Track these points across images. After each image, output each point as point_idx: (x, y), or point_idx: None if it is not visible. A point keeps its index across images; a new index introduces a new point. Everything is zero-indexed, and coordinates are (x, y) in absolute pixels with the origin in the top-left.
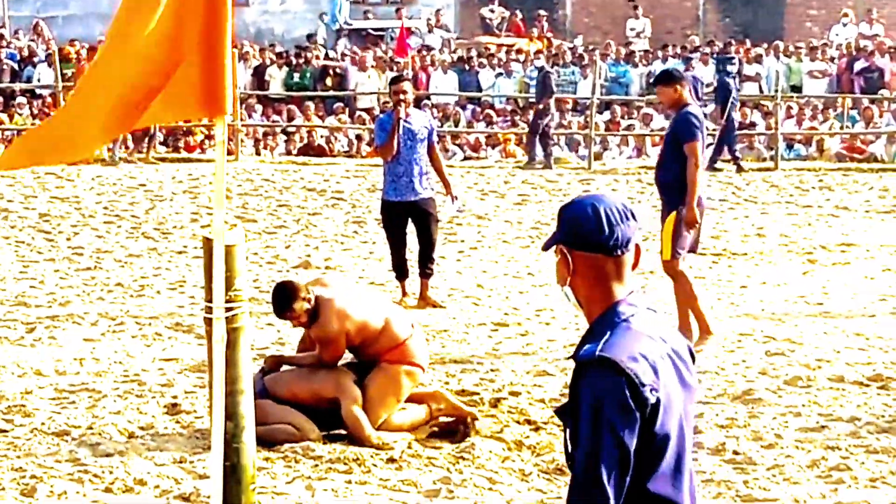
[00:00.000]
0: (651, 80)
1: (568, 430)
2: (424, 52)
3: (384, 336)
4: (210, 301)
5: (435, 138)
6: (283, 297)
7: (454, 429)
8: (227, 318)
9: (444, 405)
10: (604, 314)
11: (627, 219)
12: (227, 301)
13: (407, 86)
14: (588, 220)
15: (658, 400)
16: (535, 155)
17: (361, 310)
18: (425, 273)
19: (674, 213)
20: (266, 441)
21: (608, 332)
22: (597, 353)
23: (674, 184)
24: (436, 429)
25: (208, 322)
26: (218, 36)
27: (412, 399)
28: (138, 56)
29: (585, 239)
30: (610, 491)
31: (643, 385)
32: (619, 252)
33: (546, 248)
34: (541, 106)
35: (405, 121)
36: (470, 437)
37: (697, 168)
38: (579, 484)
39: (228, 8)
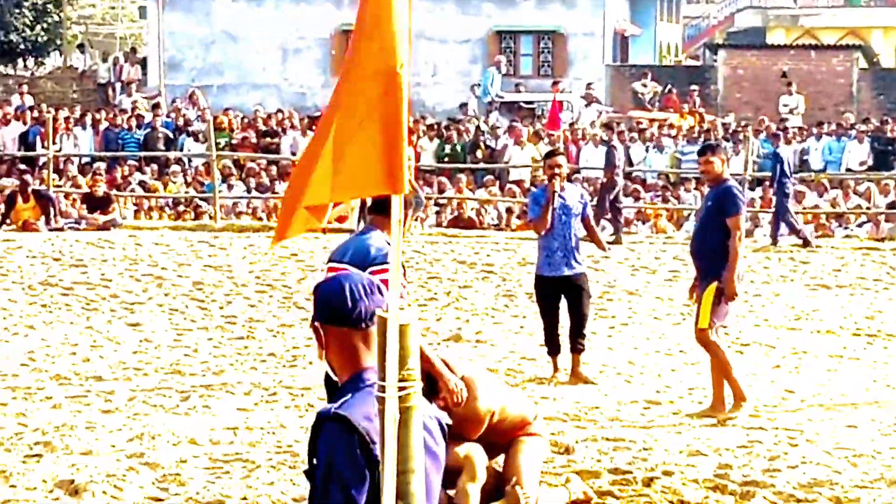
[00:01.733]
0: (800, 159)
1: (309, 489)
2: (576, 126)
3: (516, 418)
4: (383, 380)
5: (588, 212)
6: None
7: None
8: (399, 397)
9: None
10: (350, 380)
11: (373, 293)
12: (399, 380)
13: (562, 160)
14: (335, 296)
15: None
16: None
17: (500, 390)
18: (577, 348)
19: (714, 283)
20: None
21: (350, 395)
22: (332, 411)
23: (712, 255)
24: None
25: (381, 401)
26: (396, 107)
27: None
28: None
29: (334, 314)
30: None
31: (373, 443)
32: (365, 325)
33: (311, 325)
34: (605, 180)
35: (559, 195)
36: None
37: (740, 241)
38: None
39: (405, 79)
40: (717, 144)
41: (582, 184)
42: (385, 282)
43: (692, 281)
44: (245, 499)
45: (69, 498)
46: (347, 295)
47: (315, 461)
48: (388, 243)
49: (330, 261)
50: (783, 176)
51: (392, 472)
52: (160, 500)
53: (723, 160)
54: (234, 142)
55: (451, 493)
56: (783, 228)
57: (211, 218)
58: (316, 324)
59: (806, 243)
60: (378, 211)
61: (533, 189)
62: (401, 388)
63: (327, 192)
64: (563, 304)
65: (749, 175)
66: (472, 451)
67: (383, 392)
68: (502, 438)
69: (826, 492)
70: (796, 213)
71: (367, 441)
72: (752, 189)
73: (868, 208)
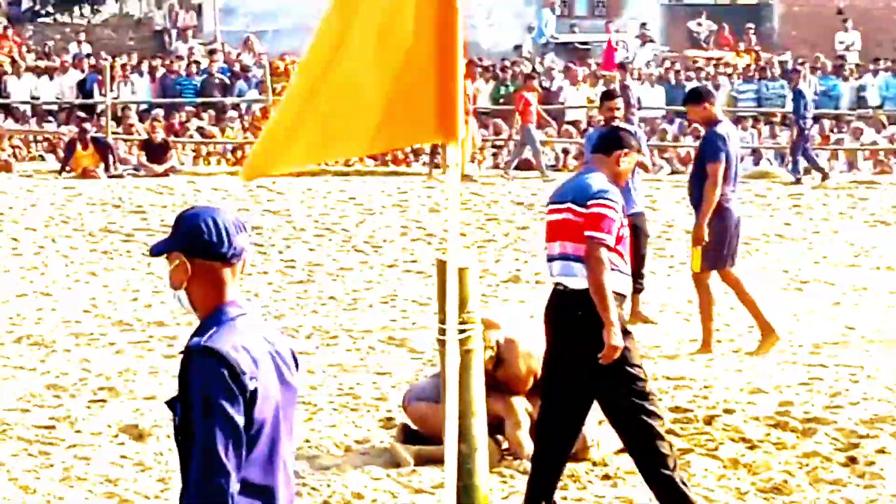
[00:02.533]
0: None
1: (176, 419)
2: (632, 66)
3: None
4: (443, 323)
5: (646, 151)
6: None
7: None
8: (459, 339)
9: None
10: (213, 313)
11: (241, 231)
12: (459, 323)
13: (619, 102)
14: (209, 231)
15: (256, 389)
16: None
17: (538, 346)
18: (636, 288)
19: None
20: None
21: (215, 328)
22: (202, 343)
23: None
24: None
25: (442, 344)
26: (452, 52)
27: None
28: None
29: (206, 248)
30: (230, 464)
31: (243, 373)
32: (234, 260)
33: (157, 253)
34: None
35: None
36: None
37: (715, 188)
38: (200, 464)
39: (460, 21)
40: (698, 91)
41: (639, 124)
42: (603, 217)
43: None
44: (308, 441)
45: (134, 442)
46: (221, 229)
47: (189, 395)
48: (609, 182)
49: (551, 203)
50: (804, 113)
51: (454, 415)
52: None
53: (706, 106)
54: None
55: (500, 438)
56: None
57: None
58: (179, 255)
59: (825, 177)
60: (599, 150)
61: (589, 131)
62: (461, 332)
63: (367, 144)
64: None
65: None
66: (512, 398)
67: (443, 335)
68: None
69: (888, 427)
70: (856, 149)
71: (237, 372)
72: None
73: None
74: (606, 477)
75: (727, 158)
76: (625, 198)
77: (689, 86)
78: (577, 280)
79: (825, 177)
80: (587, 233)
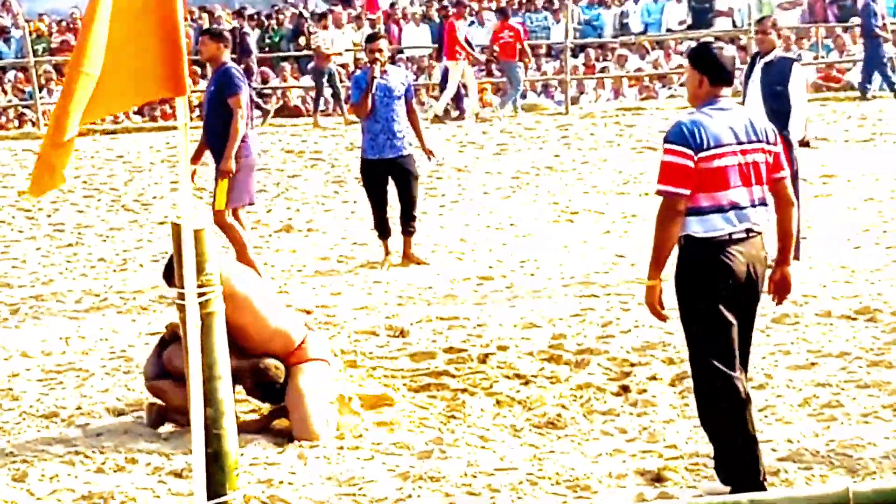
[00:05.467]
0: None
1: None
2: (396, 6)
3: (277, 337)
4: (182, 287)
5: (412, 94)
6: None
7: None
8: (199, 303)
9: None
10: None
11: None
12: (198, 286)
13: (383, 44)
14: None
15: None
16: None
17: (263, 305)
18: (408, 231)
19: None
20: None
21: None
22: None
23: (219, 136)
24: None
25: (181, 308)
26: (170, 12)
27: None
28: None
29: None
30: None
31: None
32: None
33: None
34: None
35: (382, 78)
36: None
37: (242, 120)
38: None
39: None
40: (211, 31)
41: (405, 64)
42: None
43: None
44: (80, 408)
45: None
46: None
47: None
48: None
49: (729, 143)
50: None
51: (199, 380)
52: None
53: (220, 46)
54: (53, 46)
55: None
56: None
57: (34, 125)
58: None
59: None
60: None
61: (356, 73)
62: (200, 295)
63: (105, 106)
64: (393, 187)
65: (571, 43)
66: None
67: (183, 300)
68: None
69: (659, 353)
70: (621, 76)
71: None
72: (574, 57)
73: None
74: (382, 423)
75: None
76: (393, 139)
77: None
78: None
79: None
80: (781, 173)
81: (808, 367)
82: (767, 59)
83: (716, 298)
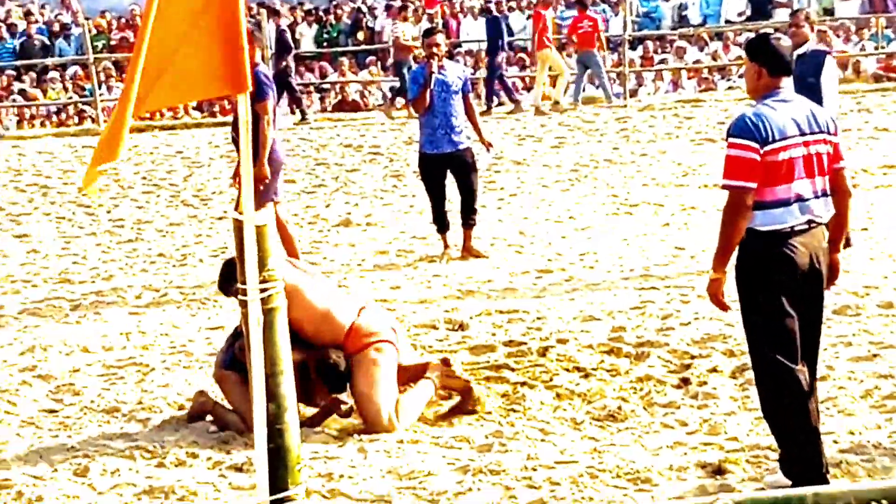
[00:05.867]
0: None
1: None
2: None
3: (325, 323)
4: (244, 283)
5: (469, 88)
6: (227, 276)
7: (464, 408)
8: (261, 298)
9: (440, 373)
10: None
11: None
12: (261, 281)
13: (440, 38)
14: None
15: None
16: (492, 101)
17: (313, 294)
18: (468, 223)
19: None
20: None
21: None
22: None
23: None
24: (442, 409)
25: (243, 304)
26: (232, 8)
27: (409, 376)
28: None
29: None
30: None
31: None
32: None
33: None
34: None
35: (439, 73)
36: (476, 410)
37: (269, 125)
38: None
39: None
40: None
41: (464, 58)
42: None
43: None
44: (140, 403)
45: None
46: None
47: None
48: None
49: (794, 135)
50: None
51: (261, 375)
52: (55, 411)
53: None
54: (112, 43)
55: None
56: None
57: (93, 122)
58: None
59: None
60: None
61: (413, 68)
62: (262, 290)
63: (165, 98)
64: (452, 181)
65: (629, 35)
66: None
67: (245, 296)
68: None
69: (719, 346)
70: (680, 68)
71: None
72: (632, 49)
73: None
74: (443, 417)
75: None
76: (451, 133)
77: (512, 16)
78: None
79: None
80: (841, 163)
81: (870, 358)
82: (800, 51)
83: (778, 291)
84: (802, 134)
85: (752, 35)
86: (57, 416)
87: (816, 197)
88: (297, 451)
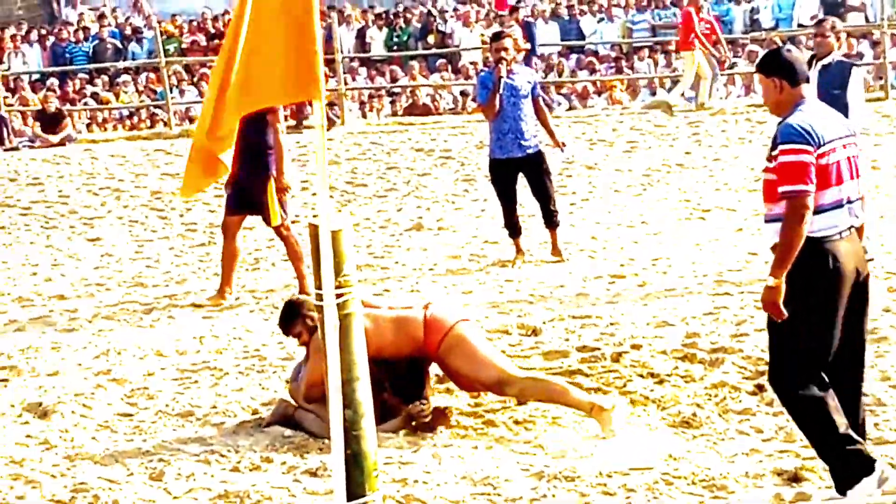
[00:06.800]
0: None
1: None
2: (524, 3)
3: (401, 332)
4: (320, 288)
5: (539, 92)
6: (287, 315)
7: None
8: (337, 304)
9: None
10: None
11: None
12: (336, 287)
13: (508, 42)
14: None
15: None
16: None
17: (372, 304)
18: (552, 223)
19: (271, 179)
20: (293, 426)
21: None
22: None
23: (261, 151)
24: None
25: (319, 310)
26: (306, 14)
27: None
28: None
29: None
30: None
31: None
32: None
33: None
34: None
35: (508, 77)
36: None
37: (282, 134)
38: None
39: None
40: None
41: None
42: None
43: None
44: (215, 407)
45: (38, 420)
46: None
47: None
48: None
49: (830, 140)
50: None
51: (337, 381)
52: (130, 415)
53: None
54: (184, 46)
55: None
56: None
57: (165, 125)
58: None
59: None
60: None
61: (482, 73)
62: (338, 296)
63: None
64: (523, 187)
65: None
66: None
67: (321, 301)
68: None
69: None
70: (752, 73)
71: None
72: None
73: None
74: (517, 422)
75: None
76: (518, 139)
77: (583, 20)
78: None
79: None
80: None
81: None
82: (825, 61)
83: (829, 297)
84: (839, 137)
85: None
86: (132, 420)
87: (856, 200)
88: (373, 457)
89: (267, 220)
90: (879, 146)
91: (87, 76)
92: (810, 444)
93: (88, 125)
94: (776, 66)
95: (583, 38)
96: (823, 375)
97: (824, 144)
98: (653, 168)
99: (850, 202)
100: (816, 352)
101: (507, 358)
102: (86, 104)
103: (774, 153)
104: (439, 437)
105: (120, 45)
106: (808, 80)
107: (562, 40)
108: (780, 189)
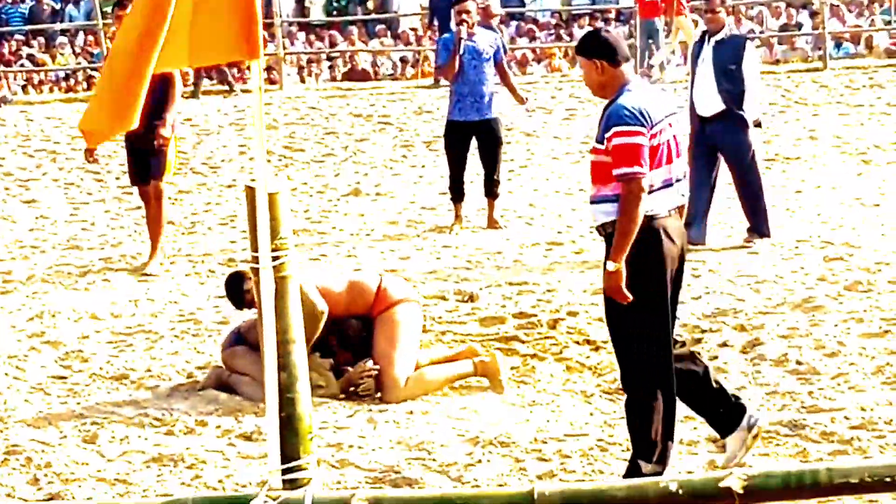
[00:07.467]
0: None
1: None
2: None
3: (354, 294)
4: (256, 251)
5: (502, 56)
6: (235, 289)
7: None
8: (273, 267)
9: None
10: None
11: None
12: (272, 250)
13: (471, 6)
14: None
15: None
16: None
17: (320, 279)
18: (492, 193)
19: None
20: (228, 390)
21: None
22: None
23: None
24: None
25: (255, 272)
26: None
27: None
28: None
29: None
30: None
31: None
32: None
33: None
34: None
35: (470, 40)
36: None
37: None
38: None
39: None
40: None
41: (499, 26)
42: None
43: None
44: (149, 370)
45: None
46: None
47: None
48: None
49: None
50: None
51: (273, 343)
52: (63, 377)
53: None
54: None
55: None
56: None
57: None
58: None
59: None
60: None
61: (444, 35)
62: (274, 259)
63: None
64: (474, 153)
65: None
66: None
67: (256, 263)
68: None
69: (730, 320)
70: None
71: None
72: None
73: (761, 32)
74: (453, 389)
75: None
76: (478, 103)
77: None
78: None
79: None
80: None
81: (882, 334)
82: (718, 37)
83: (662, 274)
84: (666, 116)
85: (764, 8)
86: (65, 383)
87: (682, 179)
88: (308, 420)
89: (159, 171)
90: (817, 116)
91: (23, 38)
92: (631, 443)
93: (24, 87)
94: (595, 48)
95: (523, 5)
96: (673, 379)
97: (655, 125)
98: (591, 136)
99: (678, 181)
100: (661, 340)
101: (415, 361)
102: (22, 66)
103: (607, 135)
104: (375, 402)
105: (57, 7)
106: (628, 60)
107: (502, 7)
108: (615, 171)
